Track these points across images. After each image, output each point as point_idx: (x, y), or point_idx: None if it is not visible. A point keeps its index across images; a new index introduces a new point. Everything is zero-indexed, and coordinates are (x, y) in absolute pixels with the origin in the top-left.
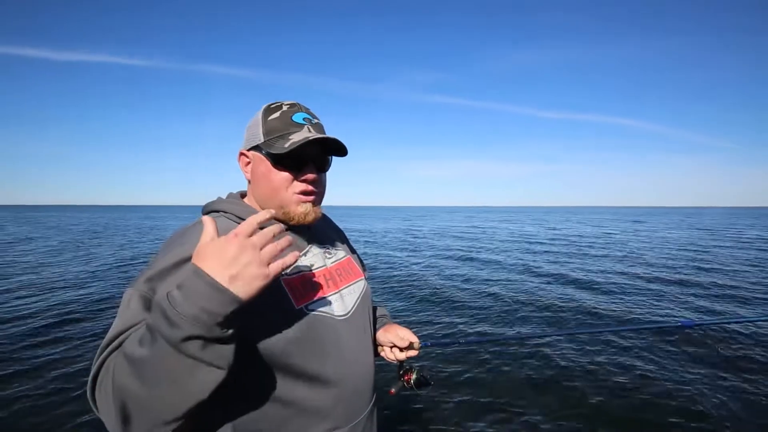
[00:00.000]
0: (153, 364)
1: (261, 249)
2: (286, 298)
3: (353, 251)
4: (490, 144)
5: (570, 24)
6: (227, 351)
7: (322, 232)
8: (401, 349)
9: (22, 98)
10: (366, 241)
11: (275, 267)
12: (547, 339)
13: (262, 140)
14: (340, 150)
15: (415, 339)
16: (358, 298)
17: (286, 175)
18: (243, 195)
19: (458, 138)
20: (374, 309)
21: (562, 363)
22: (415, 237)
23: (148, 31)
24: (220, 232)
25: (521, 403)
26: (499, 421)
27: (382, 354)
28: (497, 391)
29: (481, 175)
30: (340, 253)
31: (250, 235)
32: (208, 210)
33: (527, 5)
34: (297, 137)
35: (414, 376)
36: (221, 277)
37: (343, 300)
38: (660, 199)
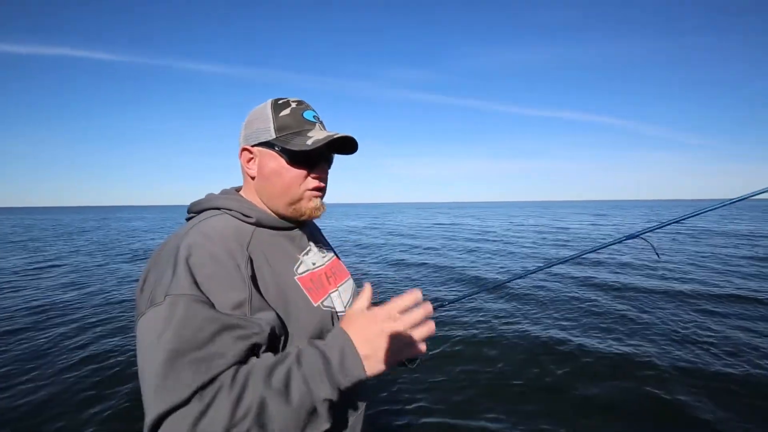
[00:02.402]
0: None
1: (402, 332)
2: (306, 297)
3: (333, 249)
4: (472, 141)
5: (549, 23)
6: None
7: (314, 231)
8: None
9: None
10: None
11: (404, 353)
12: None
13: (274, 136)
14: (345, 148)
15: None
16: (350, 296)
17: (300, 172)
18: (237, 190)
19: (442, 135)
20: None
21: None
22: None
23: (114, 23)
24: (226, 229)
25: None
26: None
27: None
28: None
29: (462, 172)
30: (330, 252)
31: (396, 316)
32: (204, 208)
33: (510, 3)
34: (318, 135)
35: None
36: (361, 351)
37: (341, 297)
38: (635, 192)
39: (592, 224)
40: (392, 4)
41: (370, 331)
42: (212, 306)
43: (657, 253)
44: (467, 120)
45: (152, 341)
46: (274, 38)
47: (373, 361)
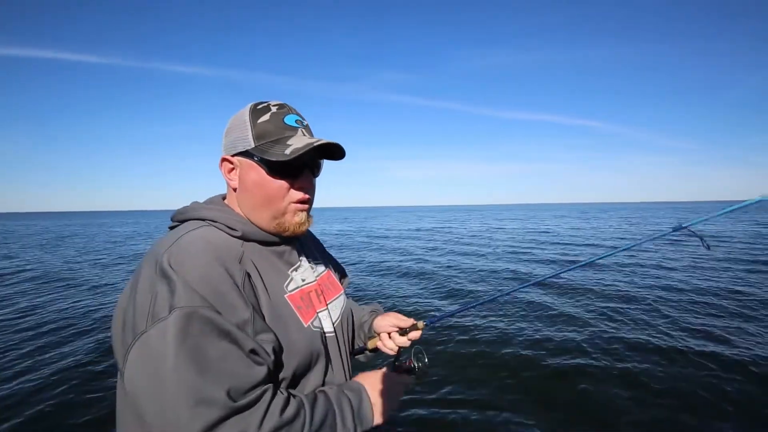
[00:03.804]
0: None
1: None
2: (296, 317)
3: (331, 260)
4: (461, 144)
5: (535, 27)
6: None
7: (305, 243)
8: (403, 332)
9: None
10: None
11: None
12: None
13: (253, 145)
14: (335, 154)
15: (411, 322)
16: (340, 313)
17: (282, 184)
18: (224, 198)
19: (431, 138)
20: (354, 311)
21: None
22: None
23: (102, 26)
24: (214, 241)
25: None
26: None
27: (379, 344)
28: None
29: (451, 175)
30: (320, 266)
31: None
32: (188, 217)
33: (494, 7)
34: (297, 142)
35: (419, 363)
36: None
37: (330, 315)
38: (620, 195)
39: (575, 227)
40: (376, 7)
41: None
42: (225, 319)
43: (706, 245)
44: (454, 123)
45: (165, 359)
46: (258, 41)
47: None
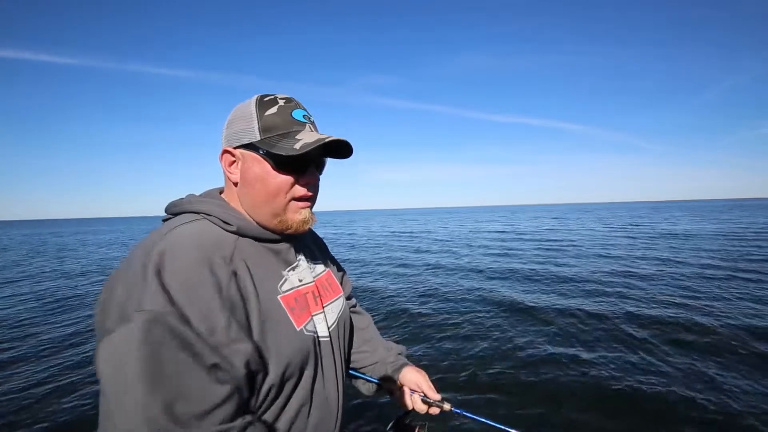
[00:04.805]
0: None
1: None
2: (288, 320)
3: (333, 261)
4: (447, 147)
5: (512, 32)
6: None
7: (305, 242)
8: (427, 402)
9: None
10: None
11: None
12: None
13: (259, 138)
14: (341, 152)
15: (439, 397)
16: (336, 317)
17: (287, 179)
18: (221, 192)
19: (417, 141)
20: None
21: None
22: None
23: (74, 26)
24: (205, 237)
25: None
26: None
27: (395, 395)
28: None
29: (437, 178)
30: (319, 266)
31: None
32: (183, 210)
33: (476, 10)
34: (307, 137)
35: None
36: None
37: (326, 319)
38: (598, 195)
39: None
40: (359, 10)
41: None
42: (191, 328)
43: None
44: (437, 126)
45: (123, 366)
46: (237, 43)
47: None
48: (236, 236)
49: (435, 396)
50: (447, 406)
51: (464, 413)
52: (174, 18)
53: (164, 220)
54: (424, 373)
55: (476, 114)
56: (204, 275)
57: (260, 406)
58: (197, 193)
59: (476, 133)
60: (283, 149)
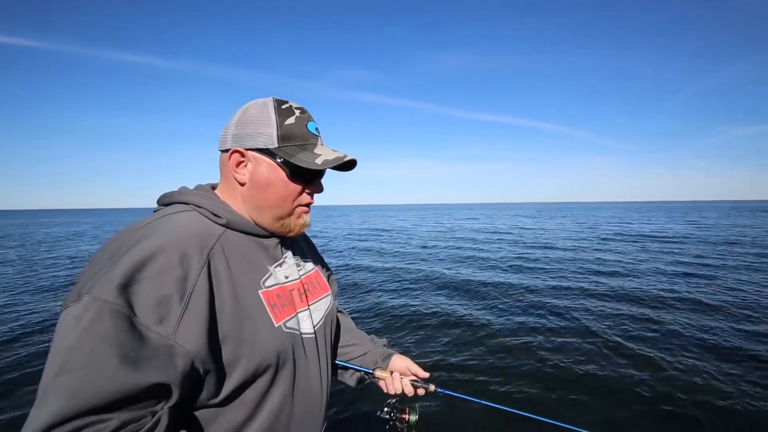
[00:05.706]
0: None
1: None
2: (266, 315)
3: (321, 260)
4: (433, 144)
5: (494, 31)
6: None
7: (296, 239)
8: (415, 385)
9: None
10: None
11: None
12: None
13: (277, 145)
14: (345, 167)
15: (428, 375)
16: (323, 315)
17: (297, 187)
18: (213, 188)
19: (402, 137)
20: (338, 325)
21: None
22: None
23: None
24: (192, 227)
25: None
26: None
27: (387, 380)
28: None
29: (425, 174)
30: (308, 264)
31: None
32: (175, 200)
33: (458, 8)
34: (327, 154)
35: (414, 418)
36: None
37: (311, 317)
38: (577, 195)
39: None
40: (341, 4)
41: None
42: (131, 323)
43: None
44: (418, 122)
45: (60, 340)
46: (212, 33)
47: None
48: (224, 228)
49: (425, 375)
50: (432, 387)
51: (447, 392)
52: (155, 11)
53: (155, 211)
54: (408, 358)
55: (457, 112)
56: (170, 264)
57: (230, 398)
58: (191, 187)
59: (457, 131)
60: (303, 161)
